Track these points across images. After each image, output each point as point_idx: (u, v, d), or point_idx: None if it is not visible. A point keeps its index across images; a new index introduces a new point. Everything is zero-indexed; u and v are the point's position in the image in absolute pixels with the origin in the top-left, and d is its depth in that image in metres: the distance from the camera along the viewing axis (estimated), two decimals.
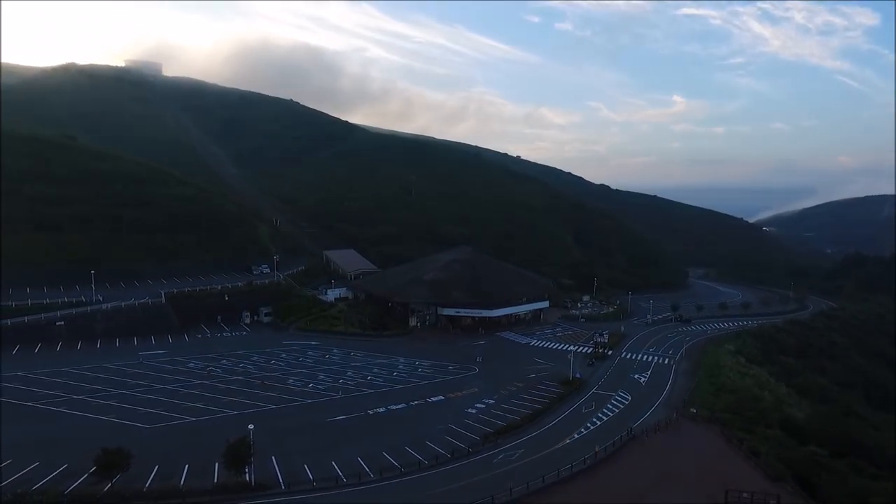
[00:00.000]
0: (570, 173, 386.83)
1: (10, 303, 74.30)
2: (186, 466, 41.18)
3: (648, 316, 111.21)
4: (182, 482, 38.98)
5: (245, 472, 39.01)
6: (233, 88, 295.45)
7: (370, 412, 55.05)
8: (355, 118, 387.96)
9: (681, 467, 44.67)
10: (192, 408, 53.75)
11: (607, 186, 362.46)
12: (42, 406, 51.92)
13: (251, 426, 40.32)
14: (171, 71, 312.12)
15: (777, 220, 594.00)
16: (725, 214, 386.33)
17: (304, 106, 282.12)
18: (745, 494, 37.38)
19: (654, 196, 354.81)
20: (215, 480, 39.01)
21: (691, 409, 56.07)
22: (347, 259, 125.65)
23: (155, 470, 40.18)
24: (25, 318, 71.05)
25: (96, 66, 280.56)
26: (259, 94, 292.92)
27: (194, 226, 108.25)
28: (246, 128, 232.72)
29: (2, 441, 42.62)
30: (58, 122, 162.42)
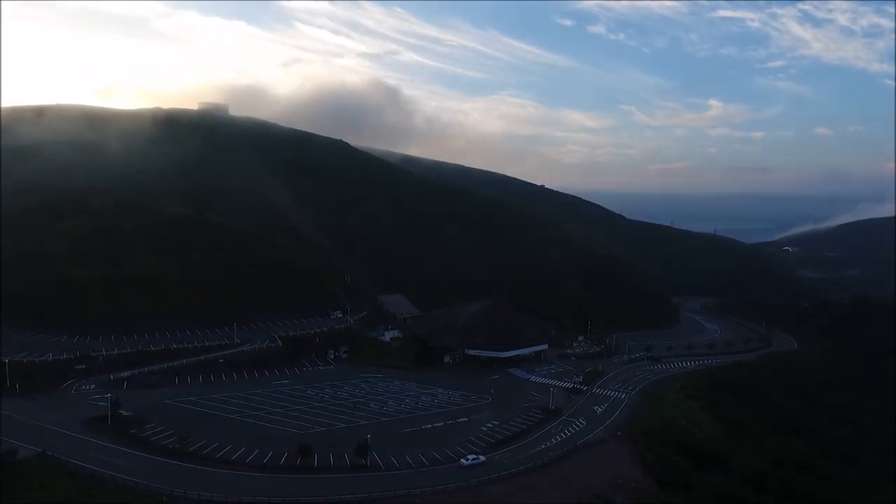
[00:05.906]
0: (589, 202, 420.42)
1: (185, 344, 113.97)
2: (331, 455, 78.47)
3: (625, 356, 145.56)
4: (332, 462, 76.37)
5: (364, 460, 76.22)
6: (289, 128, 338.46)
7: (423, 427, 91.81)
8: (403, 149, 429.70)
9: (599, 467, 79.92)
10: (318, 421, 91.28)
11: (623, 216, 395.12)
12: (239, 418, 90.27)
13: (369, 435, 77.57)
14: (235, 110, 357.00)
15: (807, 237, 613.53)
16: (738, 242, 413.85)
17: (353, 147, 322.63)
18: (620, 480, 72.79)
19: (668, 227, 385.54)
20: (348, 463, 76.28)
21: (618, 432, 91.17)
22: (396, 303, 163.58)
23: (315, 456, 77.50)
24: (203, 356, 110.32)
25: (177, 109, 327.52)
26: (312, 133, 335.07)
27: (286, 278, 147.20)
28: (303, 170, 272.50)
29: (233, 436, 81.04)
30: (165, 178, 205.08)
